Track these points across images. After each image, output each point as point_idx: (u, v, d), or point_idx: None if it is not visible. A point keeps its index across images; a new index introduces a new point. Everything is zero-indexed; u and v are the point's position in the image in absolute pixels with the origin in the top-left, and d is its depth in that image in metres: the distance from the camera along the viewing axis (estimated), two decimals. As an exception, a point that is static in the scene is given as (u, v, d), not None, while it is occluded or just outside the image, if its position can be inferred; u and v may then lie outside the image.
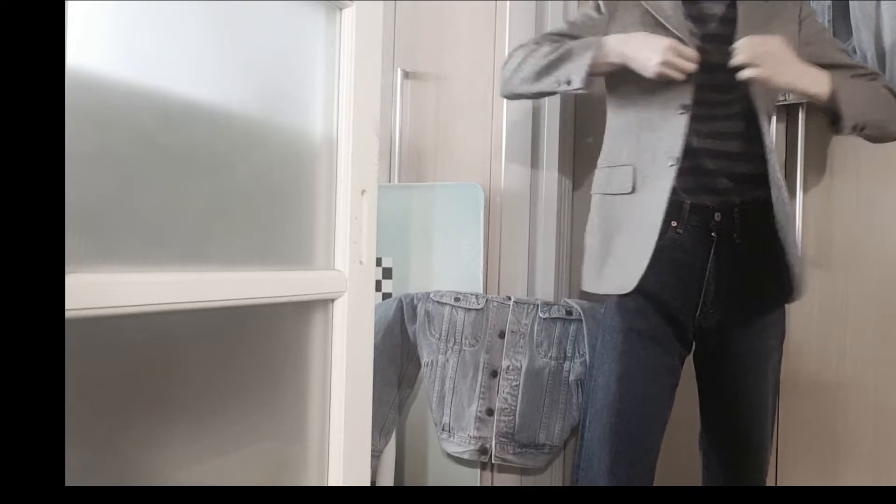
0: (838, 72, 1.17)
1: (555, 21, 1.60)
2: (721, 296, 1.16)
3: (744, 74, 1.08)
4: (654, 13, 1.18)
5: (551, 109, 1.60)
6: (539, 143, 1.59)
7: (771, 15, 1.18)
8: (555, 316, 1.49)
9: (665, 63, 1.08)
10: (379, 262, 1.66)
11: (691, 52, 1.11)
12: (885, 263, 1.44)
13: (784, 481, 1.50)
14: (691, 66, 1.10)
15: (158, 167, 0.56)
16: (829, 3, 1.40)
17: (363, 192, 0.77)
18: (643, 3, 1.21)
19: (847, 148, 1.47)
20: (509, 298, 1.52)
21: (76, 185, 0.48)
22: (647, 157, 1.17)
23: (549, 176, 1.58)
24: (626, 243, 1.18)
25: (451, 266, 1.61)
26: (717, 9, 1.19)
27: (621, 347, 1.19)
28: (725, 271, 1.15)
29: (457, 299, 1.53)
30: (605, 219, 1.23)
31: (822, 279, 1.48)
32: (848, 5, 1.38)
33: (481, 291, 1.57)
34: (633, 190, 1.17)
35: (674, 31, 1.15)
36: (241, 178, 0.65)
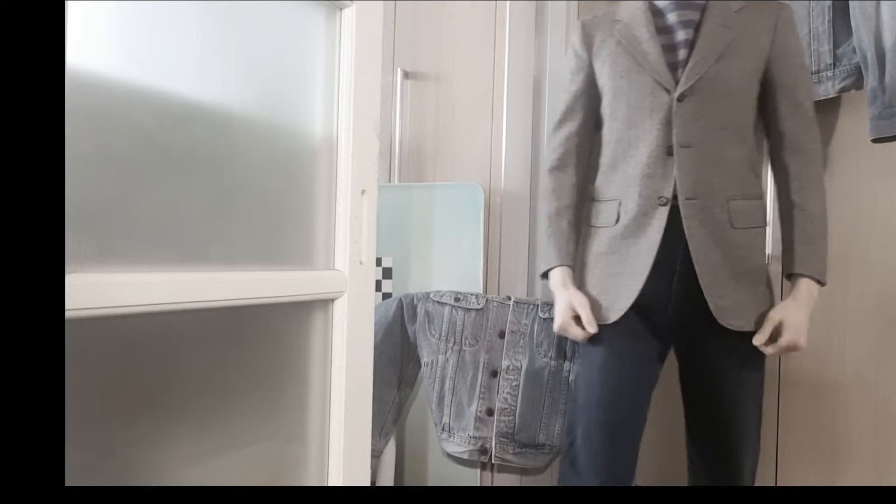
0: (797, 246, 1.18)
1: (555, 21, 1.60)
2: (693, 291, 1.15)
3: (789, 351, 1.15)
4: (628, 46, 1.20)
5: (551, 110, 1.60)
6: (539, 143, 1.59)
7: (737, 32, 1.16)
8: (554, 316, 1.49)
9: (561, 329, 1.24)
10: (379, 262, 1.66)
11: (580, 333, 1.21)
12: (885, 263, 1.44)
13: (784, 481, 1.50)
14: (582, 338, 1.22)
15: (158, 167, 0.56)
16: (830, 3, 1.40)
17: (363, 192, 0.77)
18: (616, 35, 1.22)
19: (847, 148, 1.47)
20: (509, 298, 1.52)
21: (76, 185, 0.48)
22: (629, 192, 1.19)
23: (549, 176, 1.58)
24: (611, 275, 1.21)
25: (451, 266, 1.61)
26: (685, 34, 1.18)
27: (599, 340, 1.22)
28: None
29: (457, 299, 1.53)
30: (589, 249, 1.27)
31: (822, 279, 1.48)
32: (848, 5, 1.38)
33: (481, 291, 1.57)
34: (617, 222, 1.20)
35: (649, 69, 1.17)
36: (241, 178, 0.65)
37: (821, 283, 1.17)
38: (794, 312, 1.13)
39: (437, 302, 1.54)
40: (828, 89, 1.41)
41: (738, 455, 1.20)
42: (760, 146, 1.23)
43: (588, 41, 1.26)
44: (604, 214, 1.23)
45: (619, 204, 1.20)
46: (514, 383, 1.49)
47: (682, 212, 1.13)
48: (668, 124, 1.15)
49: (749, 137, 1.18)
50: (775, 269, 1.25)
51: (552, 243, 1.27)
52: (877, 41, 1.32)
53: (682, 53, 1.17)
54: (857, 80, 1.38)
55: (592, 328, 1.20)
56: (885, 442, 1.43)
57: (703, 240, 1.13)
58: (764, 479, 1.52)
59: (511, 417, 1.49)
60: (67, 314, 0.44)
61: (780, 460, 1.51)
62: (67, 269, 0.46)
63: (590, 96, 1.28)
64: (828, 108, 1.48)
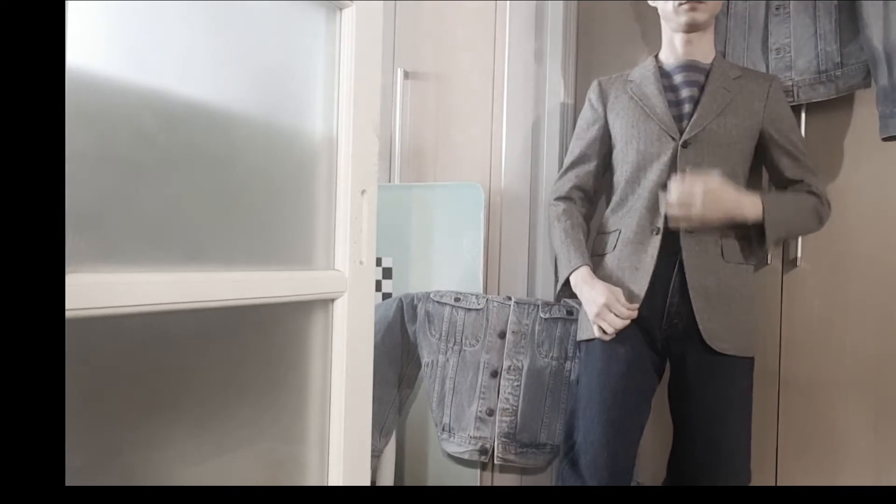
0: (771, 193, 1.32)
1: (555, 21, 1.60)
2: (683, 312, 1.27)
3: (673, 215, 1.24)
4: (638, 101, 1.35)
5: (551, 110, 1.61)
6: (539, 142, 1.59)
7: (735, 95, 1.31)
8: (555, 316, 1.49)
9: (598, 316, 1.28)
10: (379, 262, 1.66)
11: (625, 310, 1.25)
12: (885, 263, 1.44)
13: (784, 481, 1.50)
14: (620, 323, 1.26)
15: (158, 167, 0.56)
16: (836, 2, 1.40)
17: (363, 192, 0.77)
18: (629, 92, 1.37)
19: (847, 149, 1.47)
20: (510, 298, 1.52)
21: (76, 185, 0.48)
22: (629, 222, 1.33)
23: (550, 176, 1.58)
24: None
25: (451, 266, 1.61)
26: (689, 92, 1.33)
27: (599, 349, 1.32)
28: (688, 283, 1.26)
29: (457, 299, 1.53)
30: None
31: (822, 279, 1.48)
32: (854, 4, 1.37)
33: (481, 291, 1.57)
34: (614, 249, 1.34)
35: (656, 119, 1.31)
36: (241, 178, 0.65)
37: (764, 236, 1.27)
38: (711, 182, 1.22)
39: (438, 302, 1.54)
40: (837, 88, 1.41)
41: (719, 475, 1.24)
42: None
43: (604, 97, 1.43)
44: (604, 243, 1.37)
45: (619, 233, 1.34)
46: (516, 383, 1.49)
47: (682, 243, 1.26)
48: (670, 166, 1.29)
49: (740, 185, 1.31)
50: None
51: (571, 249, 1.37)
52: (885, 39, 1.32)
53: (686, 108, 1.32)
54: (865, 78, 1.38)
55: (632, 312, 1.26)
56: (885, 442, 1.43)
57: (698, 268, 1.26)
58: (764, 479, 1.52)
59: (513, 417, 1.49)
60: (67, 314, 0.44)
61: (780, 460, 1.51)
62: (67, 269, 0.46)
63: (602, 143, 1.43)
64: (837, 107, 1.48)
